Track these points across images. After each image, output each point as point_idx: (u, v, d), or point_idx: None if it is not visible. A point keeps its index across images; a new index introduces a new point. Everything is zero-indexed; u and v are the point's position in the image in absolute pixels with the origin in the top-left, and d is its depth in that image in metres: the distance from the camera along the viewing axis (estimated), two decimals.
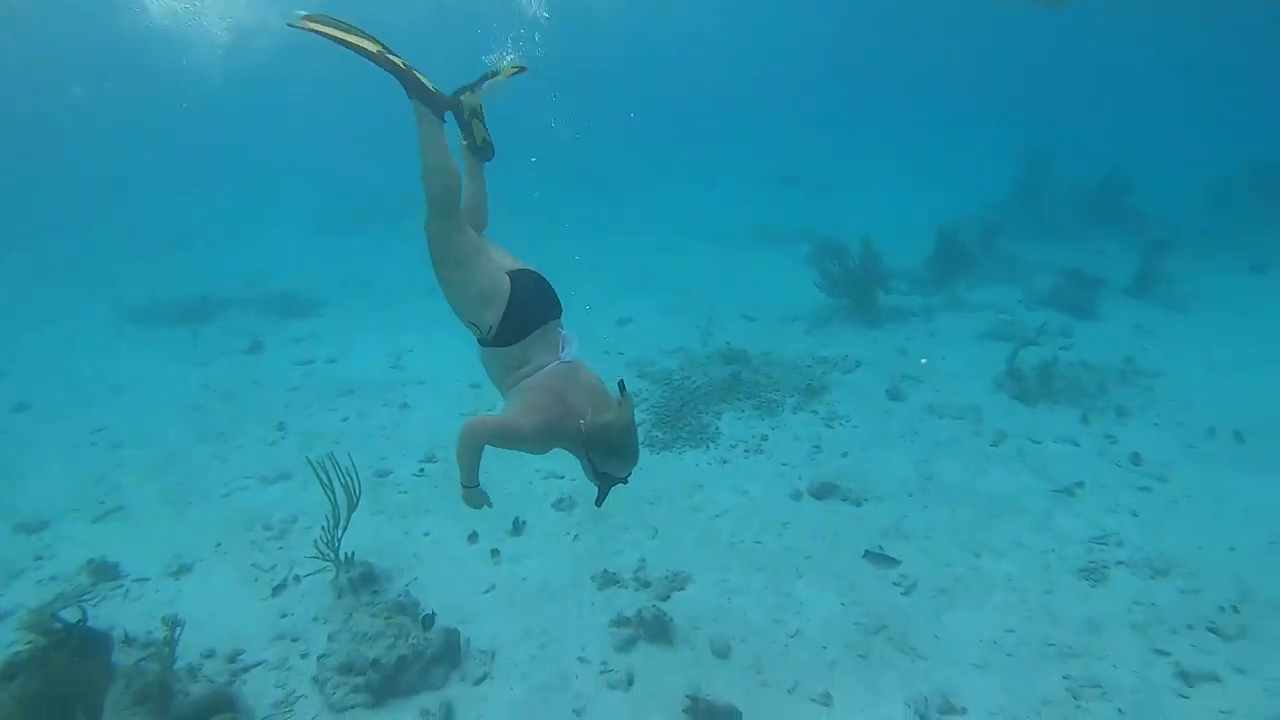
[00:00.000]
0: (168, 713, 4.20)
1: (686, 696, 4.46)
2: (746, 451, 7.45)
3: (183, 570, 5.85)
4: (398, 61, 3.28)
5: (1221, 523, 6.30)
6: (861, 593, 5.50)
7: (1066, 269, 12.18)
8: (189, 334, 11.46)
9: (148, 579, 5.77)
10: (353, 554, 5.53)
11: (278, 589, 5.58)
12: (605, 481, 3.43)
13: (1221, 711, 4.55)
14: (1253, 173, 16.83)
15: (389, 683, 4.57)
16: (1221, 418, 7.94)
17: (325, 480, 5.48)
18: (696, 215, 18.27)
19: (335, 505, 5.50)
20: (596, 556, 5.73)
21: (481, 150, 3.73)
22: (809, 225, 16.57)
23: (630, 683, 4.74)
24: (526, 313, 3.47)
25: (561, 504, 6.48)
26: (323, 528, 5.51)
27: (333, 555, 5.48)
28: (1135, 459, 7.18)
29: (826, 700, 4.61)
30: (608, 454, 3.31)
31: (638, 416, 7.79)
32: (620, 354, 9.81)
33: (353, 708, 4.50)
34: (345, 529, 5.54)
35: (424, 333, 10.61)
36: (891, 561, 5.79)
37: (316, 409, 8.65)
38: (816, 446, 7.52)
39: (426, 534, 6.16)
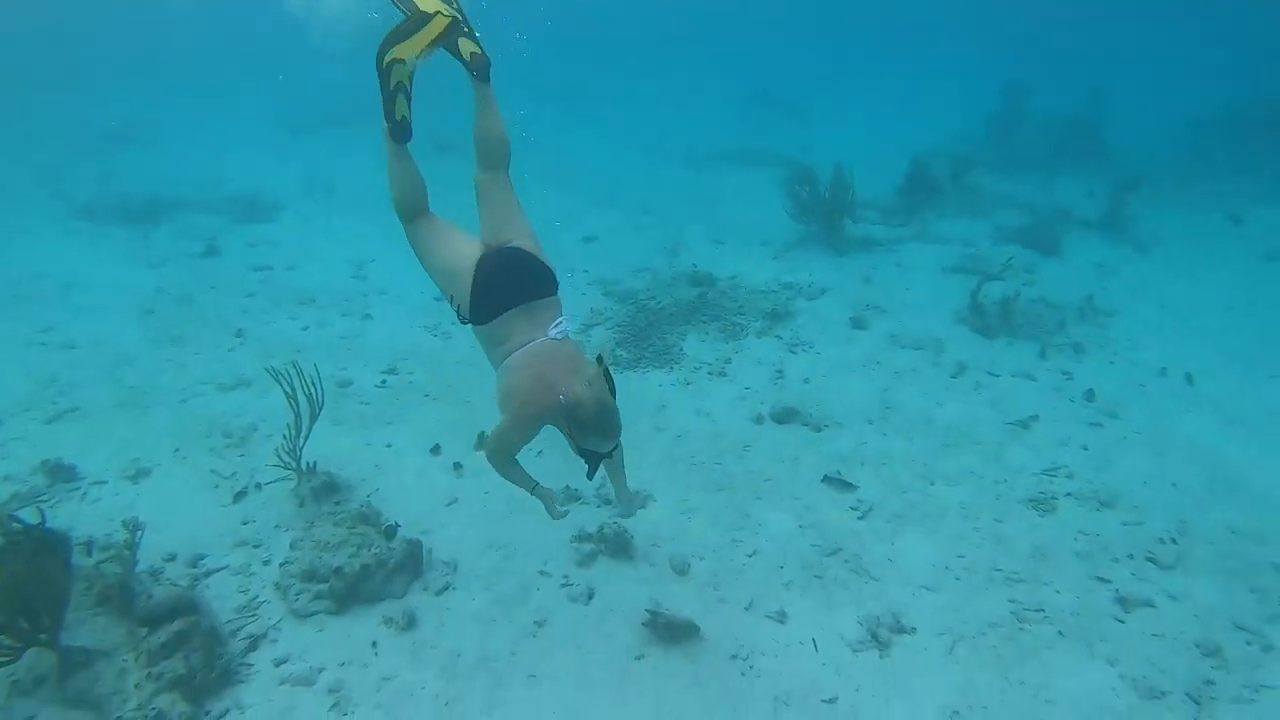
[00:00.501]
0: (130, 614, 4.18)
1: (646, 611, 4.55)
2: (710, 374, 7.48)
3: (141, 474, 5.76)
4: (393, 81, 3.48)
5: (1166, 460, 6.51)
6: (818, 515, 5.61)
7: (1034, 205, 12.23)
8: (140, 234, 11.04)
9: (105, 482, 5.67)
10: (314, 463, 5.48)
11: (239, 495, 5.53)
12: (589, 457, 3.44)
13: (1154, 635, 4.77)
14: (1232, 113, 16.75)
15: (352, 590, 4.59)
16: (1174, 359, 8.15)
17: (288, 388, 5.39)
18: (667, 134, 17.92)
19: (297, 414, 5.42)
20: (560, 473, 5.75)
21: (472, 64, 3.59)
22: (780, 148, 16.39)
23: (590, 596, 4.82)
24: (493, 293, 3.54)
25: None
26: (284, 436, 5.44)
27: (294, 464, 5.43)
28: (1089, 395, 7.35)
29: (781, 617, 4.73)
30: (585, 430, 3.31)
31: (601, 335, 7.83)
32: (585, 271, 9.71)
33: (315, 614, 4.52)
34: (307, 438, 5.48)
35: (387, 243, 10.33)
36: (849, 486, 5.91)
37: (275, 316, 8.47)
38: (779, 371, 7.58)
39: (389, 445, 6.12)
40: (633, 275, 9.81)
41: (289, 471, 5.46)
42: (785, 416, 6.72)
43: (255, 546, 5.06)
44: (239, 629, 4.40)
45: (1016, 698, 4.31)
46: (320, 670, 4.19)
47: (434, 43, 3.44)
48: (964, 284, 9.30)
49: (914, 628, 4.71)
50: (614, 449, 3.47)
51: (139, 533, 4.52)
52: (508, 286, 3.57)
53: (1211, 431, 6.98)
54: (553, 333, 3.56)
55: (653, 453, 6.24)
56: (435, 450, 6.04)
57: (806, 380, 7.44)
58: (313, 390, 5.48)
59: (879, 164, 13.27)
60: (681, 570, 5.07)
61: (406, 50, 3.43)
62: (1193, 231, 12.34)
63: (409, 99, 3.58)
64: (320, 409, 5.55)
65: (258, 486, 5.60)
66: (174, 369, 7.30)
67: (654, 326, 8.20)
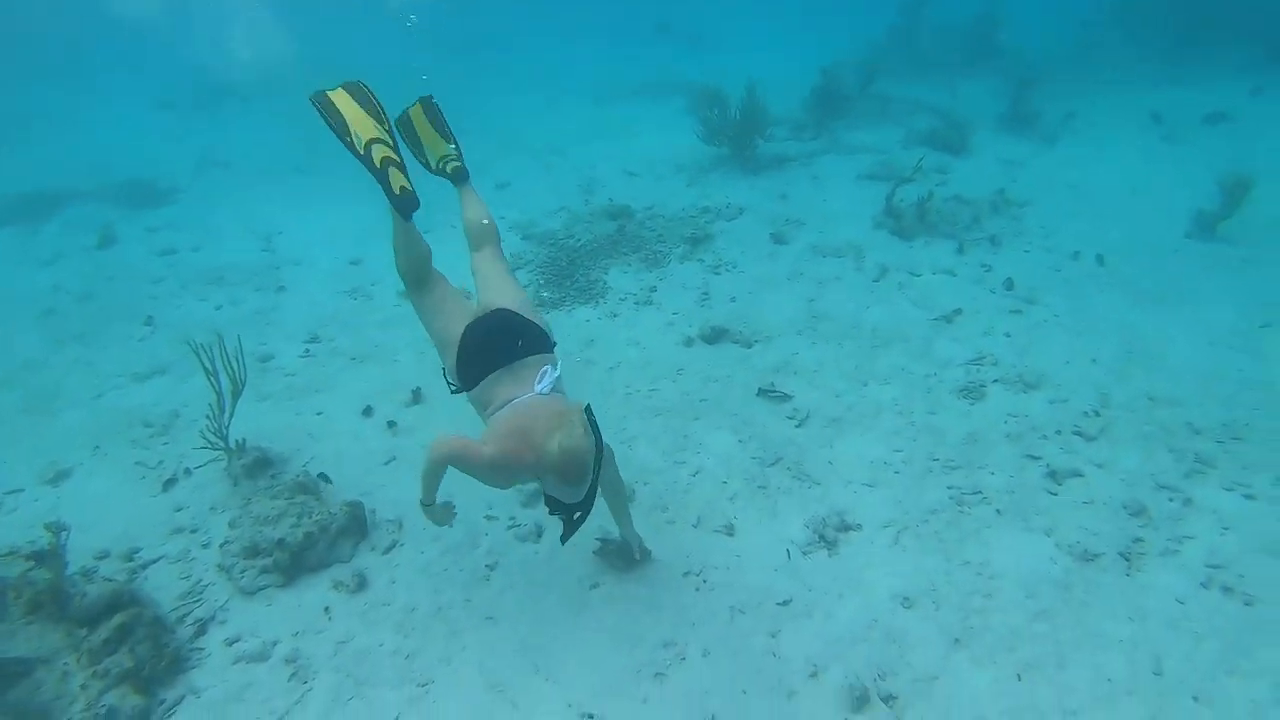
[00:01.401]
0: (66, 617, 4.03)
1: (596, 540, 4.56)
2: (636, 303, 7.44)
3: (60, 476, 5.52)
4: (379, 158, 3.67)
5: (1084, 338, 6.73)
6: (757, 428, 5.67)
7: (941, 108, 12.35)
8: (27, 232, 10.45)
9: (21, 490, 5.42)
10: (244, 440, 5.32)
11: (168, 484, 5.34)
12: (558, 509, 3.39)
13: (1084, 502, 4.97)
14: (1120, 5, 17.09)
15: (297, 560, 4.50)
16: (1085, 242, 8.38)
17: (208, 365, 5.18)
18: (568, 73, 17.56)
19: (220, 392, 5.22)
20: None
21: (452, 177, 4.23)
22: (684, 77, 16.21)
23: (539, 534, 4.82)
24: (478, 358, 3.63)
25: None
26: (208, 417, 5.25)
27: (222, 444, 5.26)
28: (1008, 284, 7.53)
29: (730, 531, 4.80)
30: (548, 474, 3.25)
31: (524, 279, 7.71)
32: (502, 218, 9.45)
33: (264, 588, 4.43)
34: (233, 415, 5.30)
35: (293, 212, 10.04)
36: (784, 397, 5.97)
37: (185, 300, 8.14)
38: (705, 294, 7.58)
39: (319, 413, 5.96)
40: (549, 216, 9.67)
41: (218, 452, 5.29)
42: (715, 337, 6.73)
43: (192, 532, 4.91)
44: (185, 615, 4.29)
45: (962, 577, 4.46)
46: (274, 644, 4.12)
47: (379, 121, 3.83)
48: (879, 190, 9.39)
49: (859, 524, 4.82)
50: (586, 503, 3.35)
51: (64, 534, 4.34)
52: (490, 349, 3.64)
53: (1124, 308, 7.22)
54: (539, 387, 3.56)
55: (587, 386, 6.21)
56: (367, 412, 5.91)
57: (733, 299, 7.46)
58: (234, 366, 5.29)
59: (784, 83, 13.24)
60: (628, 497, 5.08)
61: (364, 128, 3.72)
62: (1094, 121, 12.64)
63: (402, 168, 3.73)
64: (243, 385, 5.37)
65: (187, 472, 5.42)
66: (82, 367, 6.98)
67: (576, 264, 8.11)
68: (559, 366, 3.76)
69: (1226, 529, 4.78)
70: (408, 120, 4.33)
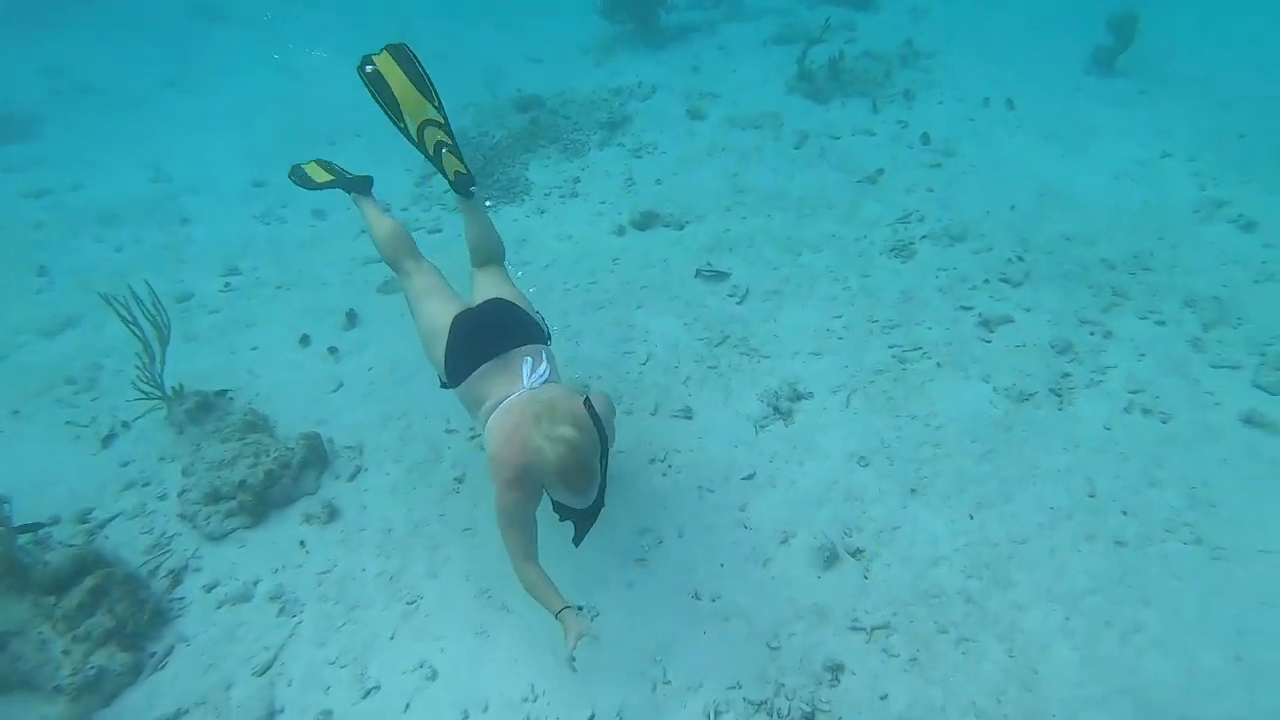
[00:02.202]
0: (29, 588, 3.93)
1: None
2: (562, 197, 7.30)
3: None
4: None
5: (1002, 185, 6.92)
6: (700, 310, 5.73)
7: None
8: None
9: None
10: (181, 386, 5.12)
11: (108, 439, 5.13)
12: (568, 514, 3.11)
13: (1016, 346, 5.24)
14: None
15: (262, 499, 4.44)
16: (994, 87, 8.49)
17: (125, 314, 4.92)
18: None
19: (144, 339, 4.98)
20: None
21: (456, 182, 3.84)
22: None
23: None
24: (467, 350, 3.41)
25: (387, 286, 6.19)
26: (137, 366, 5.02)
27: (158, 392, 5.06)
28: (924, 139, 7.62)
29: (688, 414, 4.91)
30: (550, 482, 2.96)
31: (440, 184, 7.43)
32: None
33: (233, 531, 4.38)
34: (164, 361, 5.08)
35: (178, 136, 9.33)
36: (721, 275, 6.02)
37: (78, 244, 7.59)
38: (629, 179, 7.47)
39: (254, 348, 5.75)
40: (456, 113, 9.05)
41: (155, 401, 5.09)
42: (645, 222, 6.68)
43: (144, 485, 4.77)
44: (156, 568, 4.22)
45: (911, 430, 4.70)
46: (255, 583, 4.12)
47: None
48: (788, 54, 9.25)
49: (810, 392, 4.99)
50: (597, 505, 3.08)
51: (5, 505, 4.19)
52: (480, 339, 3.42)
53: (1035, 151, 7.42)
54: (530, 381, 3.33)
55: (524, 286, 6.08)
56: (305, 341, 5.74)
57: (658, 182, 7.37)
58: (154, 311, 5.03)
59: None
60: (579, 392, 5.12)
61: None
62: None
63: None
64: (169, 328, 5.13)
65: (125, 425, 5.21)
66: None
67: (493, 162, 7.85)
68: (551, 360, 3.54)
69: (1142, 355, 5.13)
70: (378, 75, 3.79)
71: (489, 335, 3.44)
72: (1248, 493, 4.19)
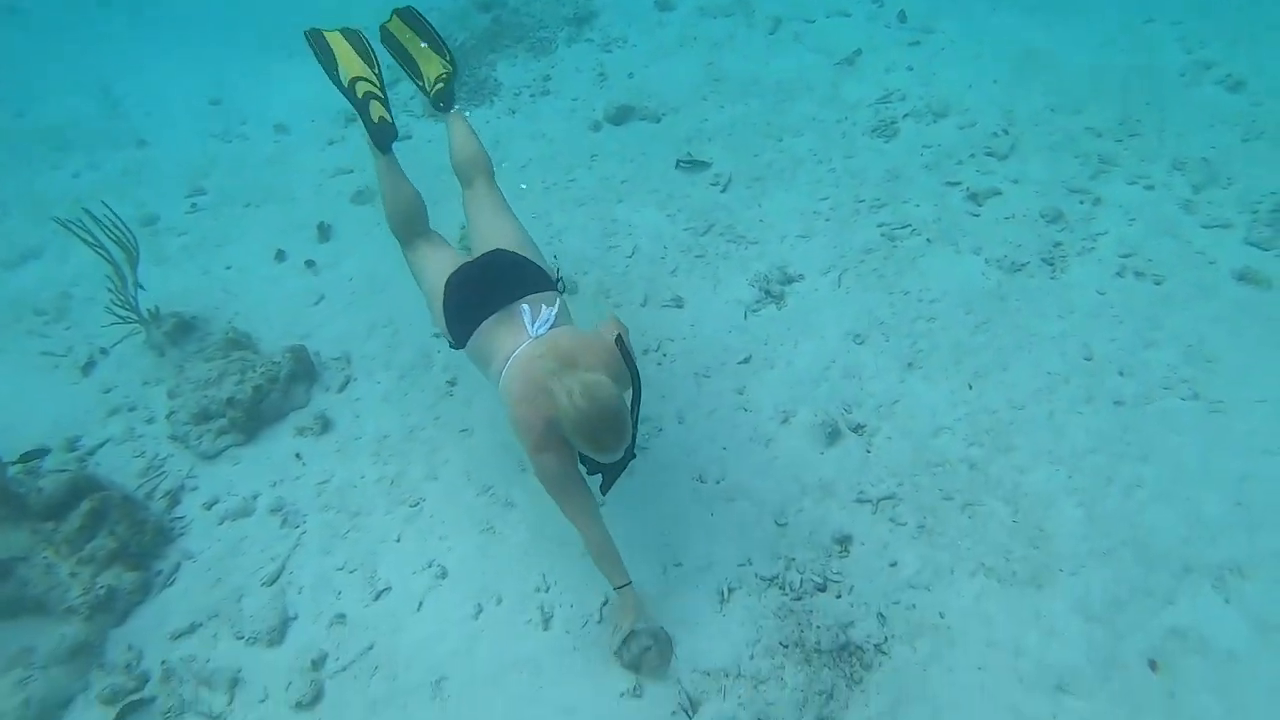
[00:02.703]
0: (26, 516, 3.86)
1: None
2: (533, 95, 7.04)
3: None
4: (361, 91, 3.53)
5: (983, 60, 6.73)
6: (683, 200, 5.60)
7: None
8: None
9: None
10: (157, 308, 4.97)
11: (87, 367, 4.99)
12: (594, 468, 2.94)
13: (1006, 218, 5.18)
14: None
15: (253, 415, 4.36)
16: None
17: (89, 239, 4.73)
18: None
19: (114, 263, 4.80)
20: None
21: (436, 100, 3.82)
22: None
23: None
24: (464, 307, 3.18)
25: (360, 196, 5.99)
26: (110, 290, 4.85)
27: (135, 316, 4.91)
28: (901, 17, 7.36)
29: (679, 303, 4.85)
30: (586, 443, 2.71)
31: (408, 91, 7.14)
32: (365, 26, 8.65)
33: (226, 449, 4.31)
34: (138, 283, 4.91)
35: (125, 56, 8.85)
36: (702, 165, 5.88)
37: (32, 172, 7.27)
38: (601, 74, 7.21)
39: (228, 267, 5.57)
40: None
41: (131, 325, 4.95)
42: (621, 116, 6.48)
43: (130, 410, 4.67)
44: (153, 490, 4.17)
45: (904, 306, 4.67)
46: (255, 497, 4.08)
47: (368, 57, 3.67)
48: None
49: (801, 274, 4.93)
50: (628, 456, 2.88)
51: None
52: (475, 294, 3.17)
53: (1017, 22, 7.20)
54: (535, 329, 3.01)
55: (513, 188, 5.95)
56: (280, 256, 5.56)
57: (630, 75, 7.12)
58: (118, 232, 4.85)
59: None
60: (571, 289, 5.03)
61: (352, 66, 3.60)
62: None
63: (384, 102, 3.55)
64: (137, 251, 4.95)
65: (103, 352, 5.07)
66: None
67: (459, 64, 7.51)
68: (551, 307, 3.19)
69: (1133, 220, 5.09)
70: (389, 35, 3.95)
71: (487, 289, 3.17)
72: (1243, 347, 4.21)
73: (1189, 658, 3.14)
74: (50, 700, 3.39)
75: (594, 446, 2.68)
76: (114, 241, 4.84)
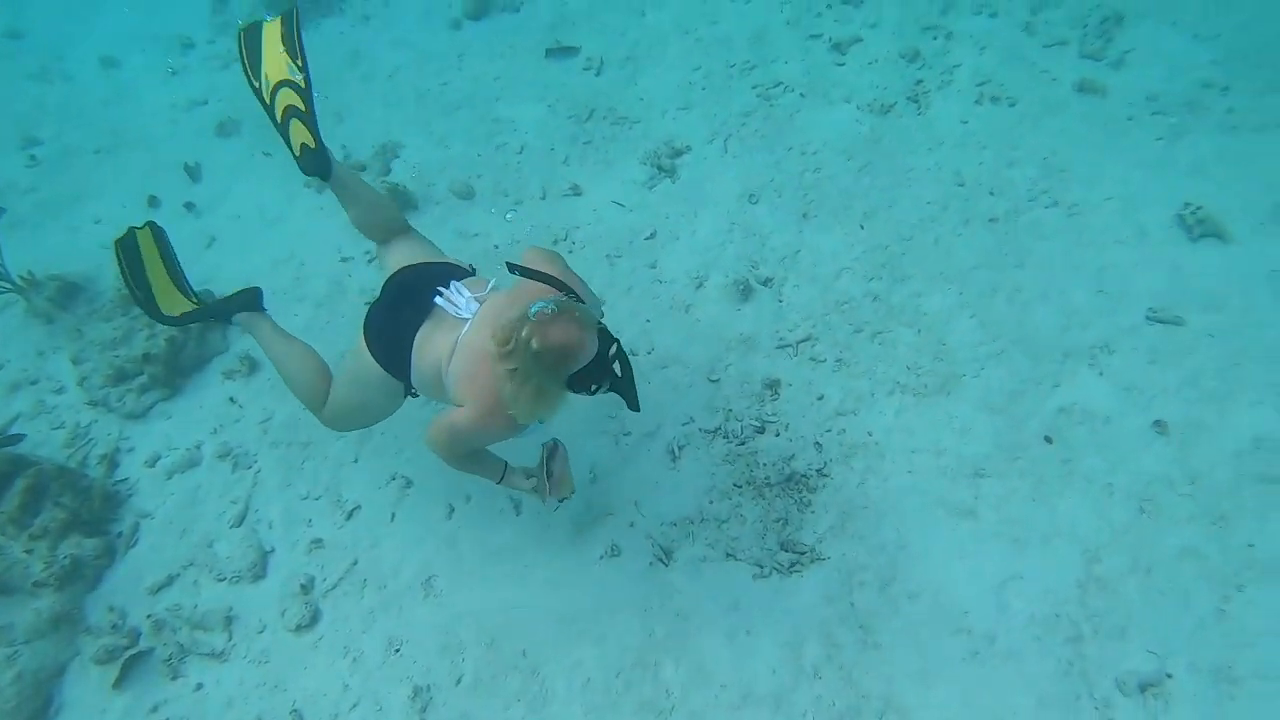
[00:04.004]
0: None
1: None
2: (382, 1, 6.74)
3: None
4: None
5: None
6: (560, 89, 5.61)
7: None
8: None
9: None
10: (31, 273, 4.72)
11: None
12: (599, 388, 2.65)
13: (869, 63, 5.41)
14: None
15: (173, 367, 4.30)
16: None
17: None
18: None
19: None
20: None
21: (302, 158, 3.08)
22: None
23: None
24: (388, 347, 2.86)
25: (224, 128, 5.73)
26: None
27: (9, 284, 4.65)
28: None
29: (577, 191, 4.96)
30: (552, 374, 2.48)
31: (243, 11, 6.67)
32: None
33: (154, 405, 4.27)
34: (2, 250, 4.63)
35: None
36: (572, 51, 5.86)
37: None
38: None
39: (98, 221, 5.27)
40: None
41: (8, 294, 4.69)
42: (479, 10, 6.29)
43: (33, 383, 4.51)
44: (85, 457, 4.12)
45: (790, 161, 4.92)
46: (198, 447, 4.09)
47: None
48: None
49: (688, 146, 5.09)
50: (614, 354, 2.66)
51: None
52: (390, 323, 2.87)
53: None
54: (462, 313, 2.74)
55: (373, 102, 5.80)
56: (154, 202, 5.31)
57: None
58: None
59: None
60: (466, 194, 5.05)
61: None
62: None
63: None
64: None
65: None
66: None
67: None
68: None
69: (983, 48, 5.41)
70: (256, 29, 3.19)
71: (399, 308, 2.89)
72: (1089, 152, 4.65)
73: (1076, 429, 3.66)
74: (42, 671, 3.45)
75: (569, 363, 2.46)
76: None
